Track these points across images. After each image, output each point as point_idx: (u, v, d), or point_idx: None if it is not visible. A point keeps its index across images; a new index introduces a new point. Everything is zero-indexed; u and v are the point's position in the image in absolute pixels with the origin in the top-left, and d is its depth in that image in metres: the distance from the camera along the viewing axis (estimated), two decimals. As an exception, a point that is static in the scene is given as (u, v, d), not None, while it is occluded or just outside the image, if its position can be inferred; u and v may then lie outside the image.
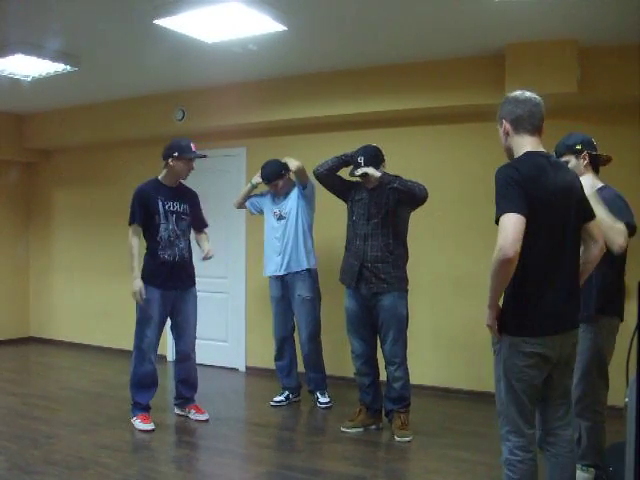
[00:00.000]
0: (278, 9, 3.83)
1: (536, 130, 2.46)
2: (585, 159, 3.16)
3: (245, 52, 4.61)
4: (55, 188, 7.66)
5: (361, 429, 4.30)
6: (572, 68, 4.36)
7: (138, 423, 4.31)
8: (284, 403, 5.00)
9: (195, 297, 4.55)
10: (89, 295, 7.28)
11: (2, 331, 7.43)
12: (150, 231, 4.36)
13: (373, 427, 4.34)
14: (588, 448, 3.15)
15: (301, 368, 5.09)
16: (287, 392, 5.04)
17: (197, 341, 4.66)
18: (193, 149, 4.40)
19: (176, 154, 4.34)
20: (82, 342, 7.28)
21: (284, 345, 5.02)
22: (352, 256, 4.21)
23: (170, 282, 4.35)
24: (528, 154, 2.41)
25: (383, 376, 4.33)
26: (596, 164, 3.23)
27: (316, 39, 4.59)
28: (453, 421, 4.59)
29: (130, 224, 4.36)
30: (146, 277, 4.31)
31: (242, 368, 6.26)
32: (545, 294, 2.34)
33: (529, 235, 2.28)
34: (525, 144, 2.44)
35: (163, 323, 4.46)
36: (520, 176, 2.29)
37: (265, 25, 4.01)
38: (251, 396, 5.54)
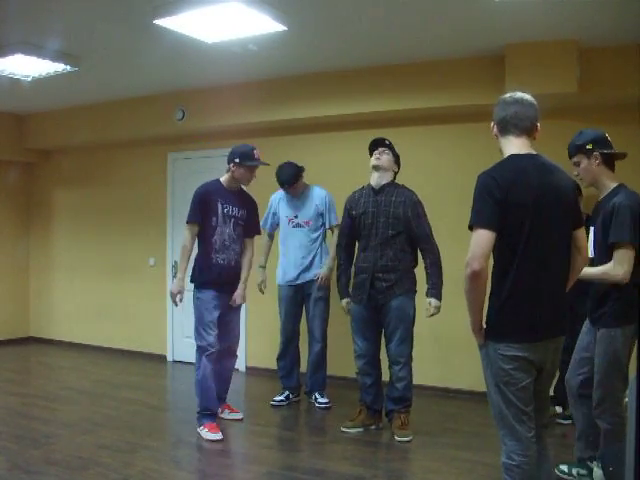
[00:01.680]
0: (278, 9, 3.83)
1: (523, 131, 2.41)
2: (597, 159, 2.98)
3: (245, 52, 4.61)
4: (55, 188, 7.66)
5: (361, 429, 4.30)
6: (572, 68, 4.36)
7: (205, 432, 4.13)
8: (284, 403, 4.99)
9: None
10: (89, 295, 7.27)
11: (2, 331, 7.42)
12: (206, 233, 4.27)
13: (373, 427, 4.33)
14: (607, 449, 3.05)
15: (301, 369, 5.10)
16: (287, 392, 5.04)
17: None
18: (256, 157, 4.32)
19: (237, 160, 4.28)
20: (82, 342, 7.26)
21: (289, 345, 5.02)
22: (362, 270, 4.19)
23: (223, 284, 4.28)
24: (511, 157, 2.39)
25: (384, 376, 4.33)
26: (611, 161, 3.02)
27: (316, 39, 4.59)
28: (453, 421, 4.59)
29: (187, 222, 4.30)
30: (200, 280, 4.26)
31: (242, 368, 6.25)
32: (528, 301, 2.32)
33: (510, 240, 2.29)
34: (510, 146, 2.42)
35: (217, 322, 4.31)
36: (496, 184, 2.28)
37: (265, 25, 4.01)
38: (251, 396, 5.53)
